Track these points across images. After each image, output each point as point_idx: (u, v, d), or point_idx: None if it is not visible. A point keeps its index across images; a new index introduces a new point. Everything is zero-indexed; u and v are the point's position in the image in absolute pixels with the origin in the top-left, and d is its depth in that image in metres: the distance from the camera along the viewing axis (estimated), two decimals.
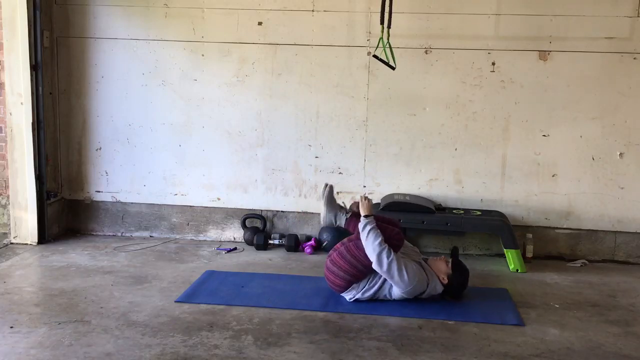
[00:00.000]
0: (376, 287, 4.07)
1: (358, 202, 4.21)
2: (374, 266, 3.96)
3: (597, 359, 3.42)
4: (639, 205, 5.21)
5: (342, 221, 4.30)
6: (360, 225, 4.03)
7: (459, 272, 4.21)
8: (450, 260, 4.22)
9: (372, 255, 3.95)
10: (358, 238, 4.06)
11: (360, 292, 4.08)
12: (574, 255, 5.33)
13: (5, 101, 5.28)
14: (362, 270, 4.04)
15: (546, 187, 5.28)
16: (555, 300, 4.33)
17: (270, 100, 5.43)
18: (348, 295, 4.13)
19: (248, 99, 5.45)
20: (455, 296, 4.21)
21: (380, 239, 3.95)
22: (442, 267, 4.18)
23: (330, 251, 4.23)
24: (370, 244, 3.95)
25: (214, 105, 5.48)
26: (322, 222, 4.36)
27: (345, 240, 4.21)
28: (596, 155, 5.21)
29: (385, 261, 3.92)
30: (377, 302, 4.09)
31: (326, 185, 4.38)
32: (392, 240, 4.01)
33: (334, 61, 5.32)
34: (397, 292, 4.06)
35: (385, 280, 4.05)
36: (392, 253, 3.94)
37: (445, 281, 4.14)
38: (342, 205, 4.47)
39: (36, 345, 3.38)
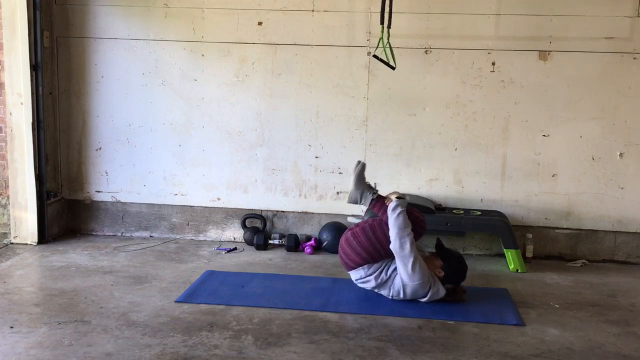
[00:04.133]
0: (383, 277, 4.07)
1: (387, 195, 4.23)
2: (393, 247, 3.97)
3: (597, 359, 3.42)
4: (639, 205, 5.21)
5: (367, 201, 4.25)
6: (392, 205, 4.06)
7: (450, 257, 4.20)
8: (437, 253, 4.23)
9: (395, 237, 3.97)
10: (384, 220, 4.09)
11: (369, 276, 4.08)
12: (574, 255, 5.33)
13: (5, 101, 5.28)
14: (379, 252, 4.07)
15: (546, 187, 5.28)
16: (555, 300, 4.33)
17: (270, 100, 5.43)
18: (355, 275, 4.13)
19: (248, 99, 5.45)
20: (456, 282, 4.17)
21: (409, 226, 4.00)
22: (435, 262, 4.18)
23: (352, 226, 4.25)
24: (398, 226, 3.98)
25: (214, 105, 5.48)
26: (348, 199, 4.31)
27: (370, 220, 4.22)
28: (596, 155, 5.21)
29: (407, 247, 3.95)
30: (377, 302, 4.10)
31: (359, 162, 4.35)
32: (416, 226, 4.07)
33: (334, 61, 5.32)
34: (398, 286, 4.04)
35: (395, 274, 4.05)
36: (414, 244, 3.99)
37: (442, 273, 4.13)
38: (371, 185, 4.38)
39: (36, 345, 3.38)
